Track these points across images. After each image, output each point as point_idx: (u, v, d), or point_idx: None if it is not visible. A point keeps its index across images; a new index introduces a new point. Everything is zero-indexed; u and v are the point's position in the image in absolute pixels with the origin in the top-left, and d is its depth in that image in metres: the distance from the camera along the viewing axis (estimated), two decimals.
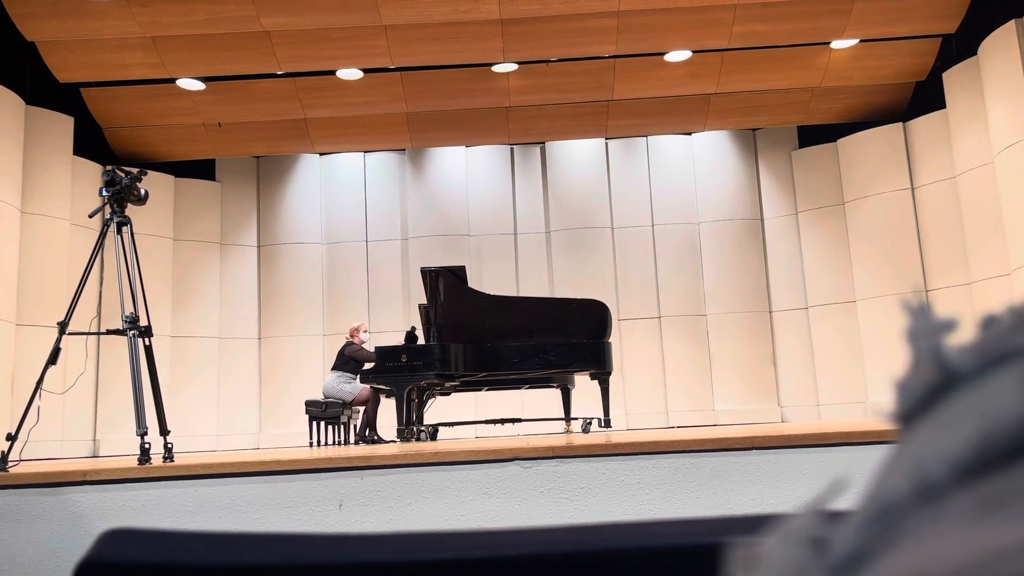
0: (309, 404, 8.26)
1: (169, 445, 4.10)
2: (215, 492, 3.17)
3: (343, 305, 11.44)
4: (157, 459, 3.91)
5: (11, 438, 3.98)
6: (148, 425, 4.05)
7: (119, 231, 4.45)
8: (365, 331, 8.64)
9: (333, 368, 8.39)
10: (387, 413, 8.58)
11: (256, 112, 10.51)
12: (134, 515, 3.13)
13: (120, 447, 9.35)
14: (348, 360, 8.25)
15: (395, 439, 7.58)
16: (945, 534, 0.21)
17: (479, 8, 8.62)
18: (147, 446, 3.85)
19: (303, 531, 3.08)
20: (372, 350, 8.10)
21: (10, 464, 3.82)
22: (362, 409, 8.30)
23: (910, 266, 10.20)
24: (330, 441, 8.17)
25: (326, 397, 8.21)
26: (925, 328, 0.28)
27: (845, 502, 0.31)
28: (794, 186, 11.43)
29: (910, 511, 0.23)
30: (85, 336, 4.54)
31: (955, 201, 9.74)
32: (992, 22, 8.57)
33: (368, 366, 7.70)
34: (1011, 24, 8.27)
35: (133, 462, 3.74)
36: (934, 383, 0.27)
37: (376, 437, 8.10)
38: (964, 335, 0.28)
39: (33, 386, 4.15)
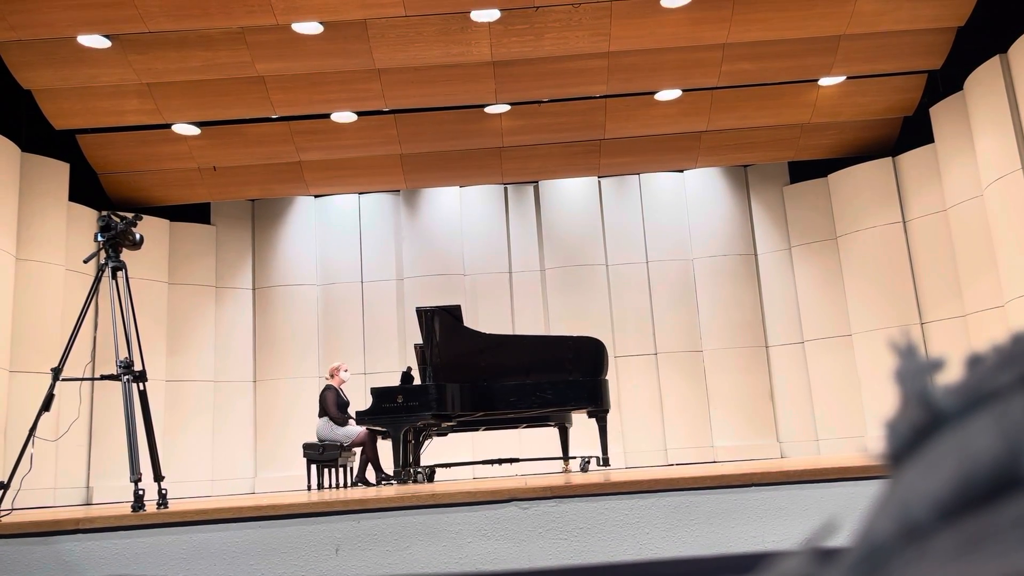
0: (307, 447, 8.19)
1: (163, 491, 4.07)
2: (210, 539, 3.13)
3: (339, 347, 11.40)
4: (151, 506, 3.87)
5: (3, 487, 3.94)
6: (142, 471, 4.01)
7: (114, 276, 4.45)
8: (345, 370, 8.58)
9: (320, 415, 8.30)
10: (383, 455, 8.51)
11: (251, 156, 10.57)
12: (128, 563, 3.09)
13: (114, 494, 9.25)
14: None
15: (392, 479, 7.50)
16: (927, 574, 0.22)
17: (471, 51, 8.74)
18: (141, 493, 3.81)
19: None
20: (334, 398, 8.11)
21: (2, 513, 3.77)
22: (359, 451, 8.21)
23: (904, 299, 10.23)
24: (330, 484, 8.07)
25: (321, 440, 8.12)
26: (912, 369, 0.29)
27: (840, 540, 0.32)
28: (787, 221, 11.49)
29: (896, 551, 0.23)
30: (79, 382, 4.52)
31: (947, 234, 9.79)
32: (976, 58, 8.71)
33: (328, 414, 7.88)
34: (995, 59, 8.40)
35: (127, 509, 3.70)
36: (921, 424, 0.27)
37: (384, 476, 7.97)
38: (951, 374, 0.29)
39: (26, 433, 4.12)
